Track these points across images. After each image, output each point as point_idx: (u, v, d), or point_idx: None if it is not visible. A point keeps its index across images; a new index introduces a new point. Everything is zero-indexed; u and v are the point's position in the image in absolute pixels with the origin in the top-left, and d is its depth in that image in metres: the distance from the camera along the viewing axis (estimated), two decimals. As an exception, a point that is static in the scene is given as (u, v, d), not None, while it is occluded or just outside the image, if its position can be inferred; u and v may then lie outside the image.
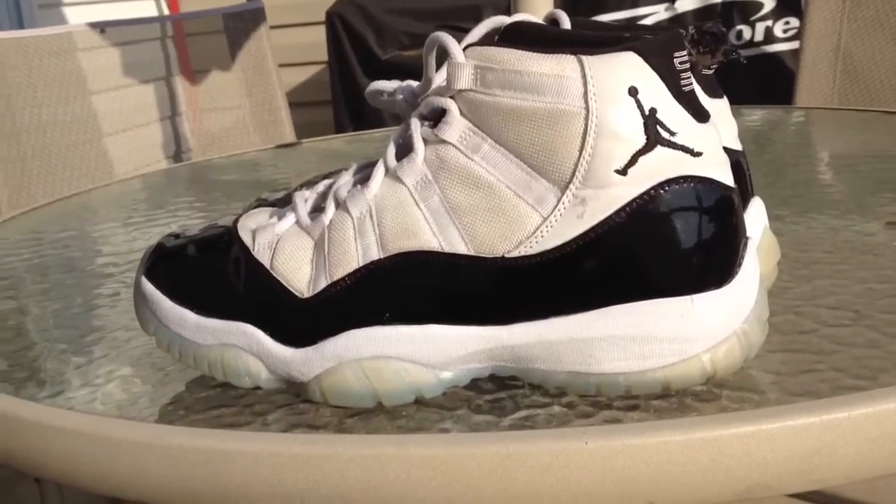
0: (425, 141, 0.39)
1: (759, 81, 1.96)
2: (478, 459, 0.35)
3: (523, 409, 0.38)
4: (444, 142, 0.39)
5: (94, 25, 1.54)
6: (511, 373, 0.40)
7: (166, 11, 2.91)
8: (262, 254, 0.41)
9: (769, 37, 2.04)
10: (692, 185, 0.36)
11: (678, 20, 2.06)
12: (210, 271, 0.42)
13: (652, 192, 0.36)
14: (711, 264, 0.37)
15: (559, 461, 0.34)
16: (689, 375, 0.37)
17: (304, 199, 0.43)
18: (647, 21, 2.07)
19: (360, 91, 2.24)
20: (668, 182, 0.36)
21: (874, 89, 1.35)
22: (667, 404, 0.38)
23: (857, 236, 0.57)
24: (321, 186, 0.44)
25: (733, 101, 0.51)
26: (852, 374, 0.39)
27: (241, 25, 1.71)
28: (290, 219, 0.42)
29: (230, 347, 0.41)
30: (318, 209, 0.43)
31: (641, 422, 0.36)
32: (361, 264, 0.39)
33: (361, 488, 0.36)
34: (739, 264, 0.38)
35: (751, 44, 2.05)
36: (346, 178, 0.43)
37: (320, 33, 2.39)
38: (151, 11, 2.92)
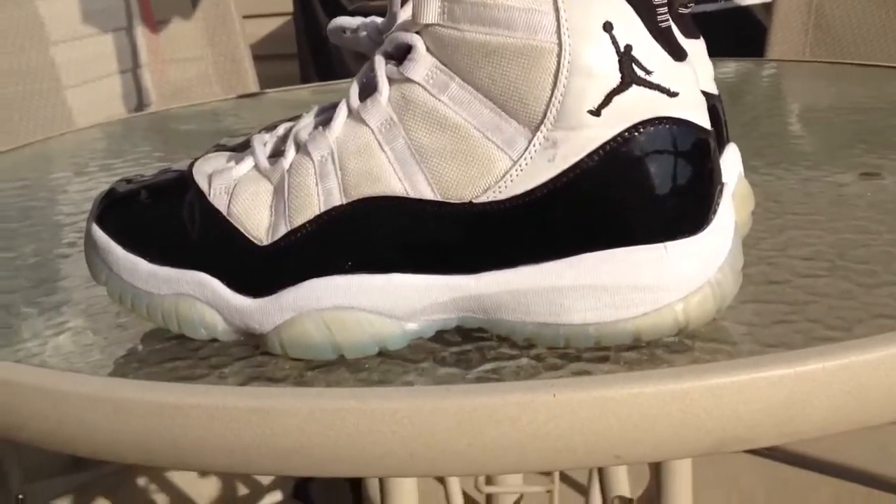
0: (390, 80, 0.37)
1: (730, 36, 1.94)
2: (442, 413, 0.34)
3: (490, 361, 0.37)
4: (409, 80, 0.37)
5: (50, -30, 1.49)
6: (478, 324, 0.39)
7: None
8: (218, 199, 0.39)
9: (741, -9, 2.02)
10: (668, 126, 0.35)
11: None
12: (164, 218, 0.40)
13: (626, 134, 0.35)
14: (686, 210, 0.36)
15: (527, 414, 0.33)
16: (662, 326, 0.36)
17: (263, 143, 0.41)
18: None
19: (327, 43, 2.20)
20: (643, 123, 0.35)
21: (846, 44, 1.34)
22: (637, 356, 0.36)
23: (831, 187, 0.56)
24: (281, 129, 0.42)
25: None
26: (827, 325, 0.38)
27: (204, -28, 1.66)
28: (248, 163, 0.40)
29: (185, 297, 0.39)
30: (277, 153, 0.41)
31: (611, 374, 0.35)
32: (323, 210, 0.38)
33: (322, 443, 0.34)
34: (714, 211, 0.36)
35: (723, -3, 2.03)
36: (308, 121, 0.41)
37: (286, -17, 2.34)
38: (112, -41, 2.83)
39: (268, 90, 1.14)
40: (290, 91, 1.12)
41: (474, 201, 0.36)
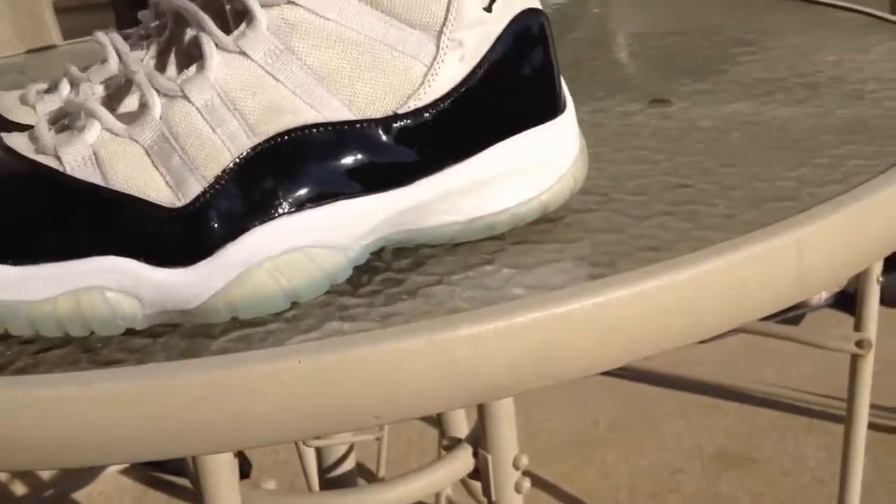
0: (264, 4, 0.35)
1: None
2: (175, 392, 0.32)
3: (237, 329, 0.35)
4: (288, 2, 0.35)
5: None
6: (405, 237, 0.39)
7: None
8: (85, 173, 0.34)
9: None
10: (537, 15, 0.39)
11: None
12: (10, 209, 0.34)
13: (513, 25, 0.38)
14: (559, 88, 0.40)
15: (272, 385, 0.32)
16: (563, 194, 0.40)
17: (95, 97, 0.37)
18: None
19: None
20: (520, 15, 0.38)
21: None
22: (388, 311, 0.35)
23: (619, 117, 0.55)
24: (101, 83, 0.39)
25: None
26: (592, 262, 0.37)
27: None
28: (94, 127, 0.35)
29: (87, 291, 0.34)
30: (127, 110, 0.37)
31: (363, 332, 0.33)
32: (235, 156, 0.35)
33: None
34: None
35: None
36: (140, 66, 0.36)
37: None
38: None
39: (62, 43, 0.99)
40: (87, 42, 0.90)
41: (398, 112, 0.36)
